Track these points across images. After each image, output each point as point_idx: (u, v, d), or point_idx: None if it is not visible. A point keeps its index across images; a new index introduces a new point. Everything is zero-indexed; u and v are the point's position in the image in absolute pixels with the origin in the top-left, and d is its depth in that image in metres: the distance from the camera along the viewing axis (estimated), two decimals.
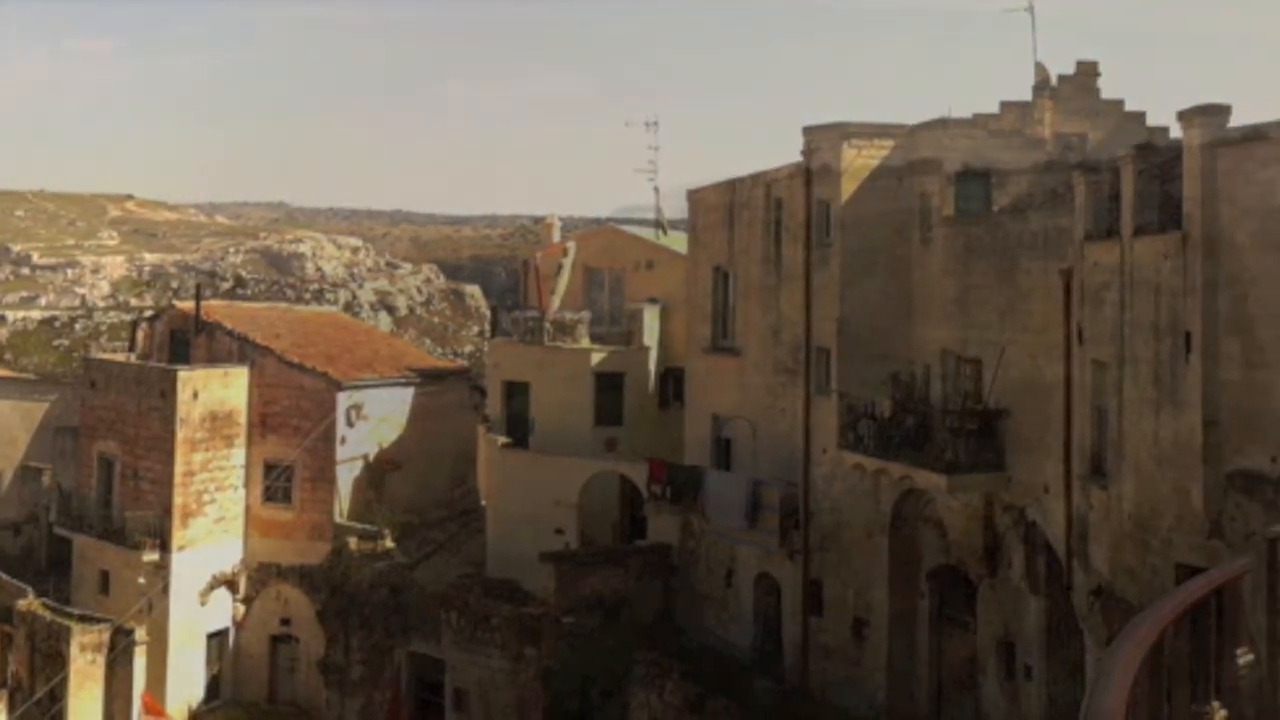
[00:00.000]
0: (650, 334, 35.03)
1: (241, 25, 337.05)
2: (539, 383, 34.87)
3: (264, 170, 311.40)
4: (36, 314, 67.57)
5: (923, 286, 25.13)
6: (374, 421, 38.98)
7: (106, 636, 33.55)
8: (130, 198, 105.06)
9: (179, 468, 36.44)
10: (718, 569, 30.37)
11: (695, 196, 32.82)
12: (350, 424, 38.24)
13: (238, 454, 38.11)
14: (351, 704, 33.20)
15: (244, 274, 76.16)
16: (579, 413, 34.33)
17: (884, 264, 25.68)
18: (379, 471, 38.89)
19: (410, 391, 40.71)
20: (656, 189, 38.73)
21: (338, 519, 37.35)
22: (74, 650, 32.96)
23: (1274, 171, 16.34)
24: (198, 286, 47.48)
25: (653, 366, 35.04)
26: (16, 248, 79.61)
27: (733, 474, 29.47)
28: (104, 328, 63.01)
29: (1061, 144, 24.93)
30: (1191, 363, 16.84)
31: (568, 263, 37.61)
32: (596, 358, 34.60)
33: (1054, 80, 25.31)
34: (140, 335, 41.88)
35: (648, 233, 38.73)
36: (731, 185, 30.66)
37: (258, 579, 37.49)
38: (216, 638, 37.35)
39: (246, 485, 38.17)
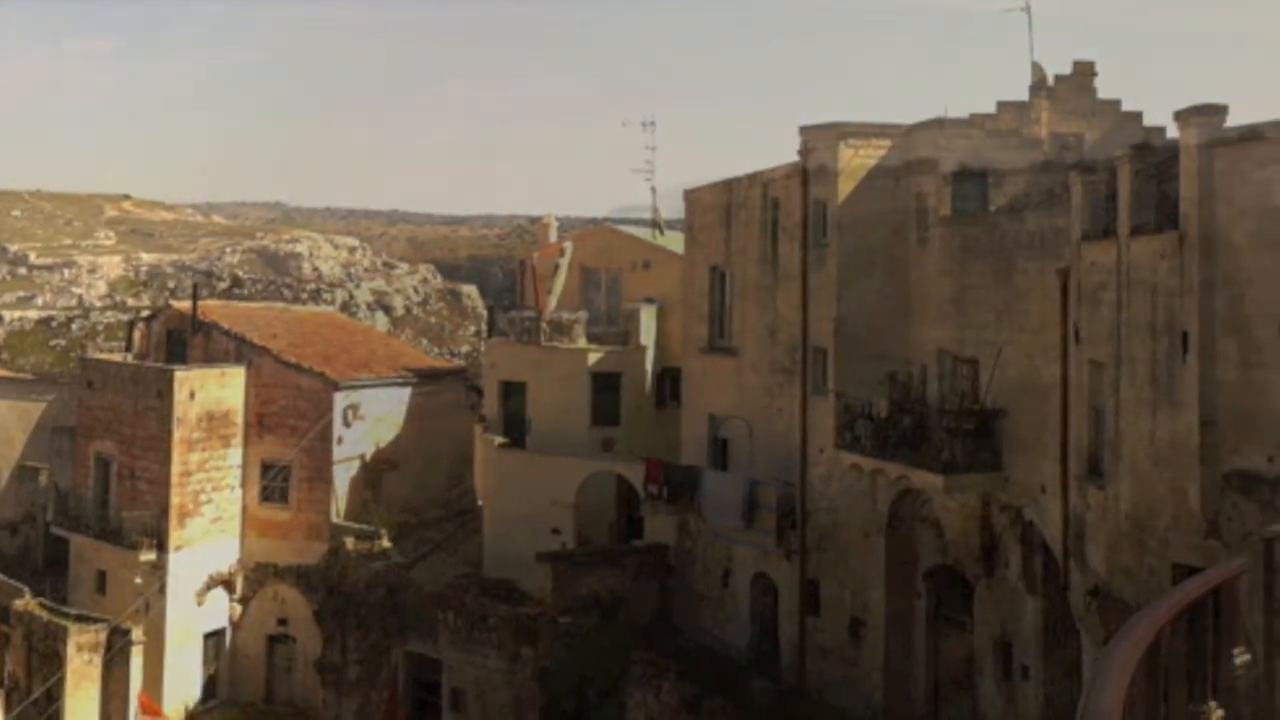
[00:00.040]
0: (647, 334, 35.01)
1: (241, 25, 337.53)
2: (536, 383, 34.85)
3: (261, 170, 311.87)
4: (33, 314, 67.40)
5: (919, 286, 25.12)
6: (371, 421, 38.97)
7: (103, 636, 33.47)
8: (127, 197, 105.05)
9: (176, 468, 36.41)
10: (714, 569, 30.35)
11: (692, 196, 32.80)
12: (347, 424, 38.22)
13: (234, 454, 38.08)
14: (348, 704, 33.19)
15: (241, 274, 76.12)
16: (576, 413, 34.33)
17: (881, 264, 25.66)
18: (376, 471, 38.87)
19: (407, 391, 40.70)
20: (653, 189, 38.83)
21: (334, 519, 37.33)
22: (71, 650, 32.89)
23: (1271, 171, 16.34)
24: (194, 286, 47.37)
25: (649, 366, 35.02)
26: (13, 247, 79.63)
27: (729, 474, 29.44)
28: (101, 328, 62.84)
29: (1058, 144, 24.92)
30: (1188, 363, 16.84)
31: (564, 263, 37.61)
32: (593, 358, 34.58)
33: (1051, 80, 25.29)
34: (137, 335, 41.86)
35: (644, 233, 38.73)
36: (728, 185, 30.61)
37: (254, 579, 37.49)
38: (213, 638, 37.35)
39: (243, 485, 38.15)
